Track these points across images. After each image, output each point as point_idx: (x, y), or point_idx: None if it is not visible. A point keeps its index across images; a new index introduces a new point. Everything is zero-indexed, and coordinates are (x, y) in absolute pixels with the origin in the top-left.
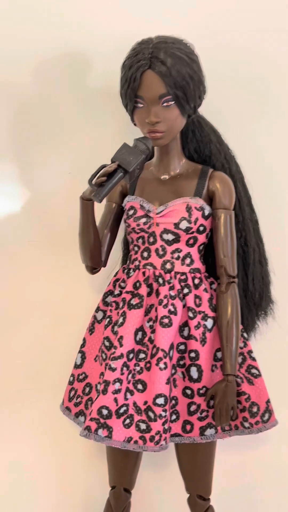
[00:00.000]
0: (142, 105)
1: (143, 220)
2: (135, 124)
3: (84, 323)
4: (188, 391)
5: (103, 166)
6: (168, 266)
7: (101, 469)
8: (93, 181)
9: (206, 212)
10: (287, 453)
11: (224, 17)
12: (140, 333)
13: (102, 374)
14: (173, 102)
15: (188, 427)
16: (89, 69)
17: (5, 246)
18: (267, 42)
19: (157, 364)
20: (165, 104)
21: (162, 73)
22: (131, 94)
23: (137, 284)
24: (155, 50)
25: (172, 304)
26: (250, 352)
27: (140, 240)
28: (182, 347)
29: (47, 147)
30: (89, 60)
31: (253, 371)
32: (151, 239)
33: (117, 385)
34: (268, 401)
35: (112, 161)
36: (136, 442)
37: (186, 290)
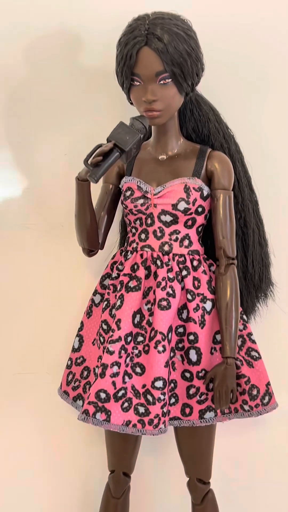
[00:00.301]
0: (138, 83)
1: (141, 201)
2: (131, 103)
3: (82, 306)
4: (187, 374)
5: (99, 146)
6: (166, 248)
7: (100, 454)
8: (89, 161)
9: (205, 193)
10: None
11: None
12: (138, 316)
13: (100, 357)
14: (170, 80)
15: (187, 410)
16: (85, 51)
17: (1, 230)
18: (266, 18)
19: (155, 347)
20: (162, 82)
21: (158, 49)
22: (127, 71)
23: (135, 267)
24: (152, 26)
25: (171, 287)
26: (249, 334)
27: (138, 222)
28: (181, 329)
29: (43, 129)
30: (86, 41)
31: (253, 353)
32: (149, 221)
33: (115, 369)
34: (268, 384)
35: (108, 141)
36: (134, 425)
37: (184, 272)
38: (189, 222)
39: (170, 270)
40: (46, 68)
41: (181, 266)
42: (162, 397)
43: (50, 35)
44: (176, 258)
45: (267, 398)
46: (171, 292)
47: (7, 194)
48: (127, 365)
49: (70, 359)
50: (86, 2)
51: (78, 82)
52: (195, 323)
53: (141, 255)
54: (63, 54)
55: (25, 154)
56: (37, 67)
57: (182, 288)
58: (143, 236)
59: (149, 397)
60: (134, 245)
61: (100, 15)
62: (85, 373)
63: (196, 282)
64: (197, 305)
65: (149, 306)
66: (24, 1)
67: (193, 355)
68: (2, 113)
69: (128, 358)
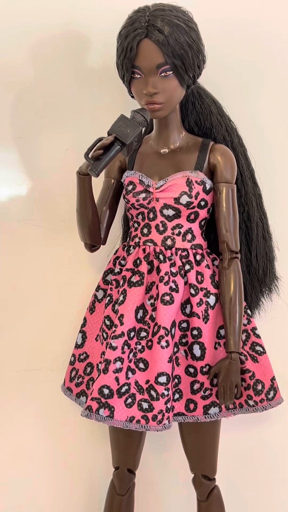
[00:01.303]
0: (139, 76)
1: (143, 195)
2: (132, 96)
3: (85, 302)
4: (191, 370)
5: (100, 139)
6: (168, 242)
7: (105, 450)
8: (90, 155)
9: (208, 186)
10: None
11: None
12: (141, 311)
13: (103, 353)
14: (171, 72)
15: (191, 406)
16: (87, 46)
17: (2, 225)
18: (268, 10)
19: (158, 342)
20: (163, 74)
21: (159, 41)
22: (127, 64)
23: (138, 261)
24: (152, 18)
25: (174, 281)
26: (254, 329)
27: (140, 216)
28: (184, 324)
29: (44, 124)
30: (87, 36)
31: (258, 348)
32: (151, 215)
33: (118, 364)
34: (273, 379)
35: (109, 134)
36: (138, 421)
37: (187, 267)
38: (192, 216)
39: (173, 264)
40: (47, 64)
41: (184, 260)
42: (165, 392)
43: (51, 32)
44: (179, 252)
45: (272, 393)
46: (174, 286)
47: (9, 189)
48: (130, 361)
49: (73, 355)
50: (89, 1)
51: (79, 77)
52: (199, 318)
53: (144, 250)
54: (63, 50)
55: (26, 150)
56: (37, 63)
57: (185, 283)
58: (145, 230)
59: (152, 392)
60: (137, 239)
61: (101, 12)
62: (88, 369)
63: (199, 277)
64: (201, 299)
65: (152, 301)
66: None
67: (197, 350)
68: (5, 107)
69: (131, 354)
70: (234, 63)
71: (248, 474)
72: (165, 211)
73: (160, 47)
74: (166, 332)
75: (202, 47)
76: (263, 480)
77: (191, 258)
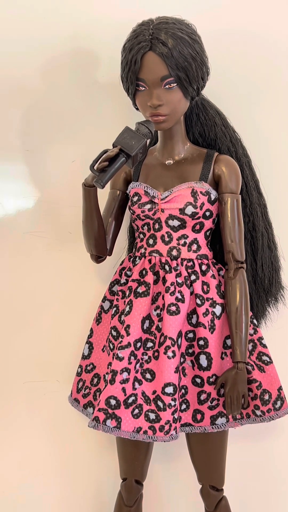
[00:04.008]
0: (143, 88)
1: (148, 206)
2: (137, 109)
3: (91, 313)
4: (198, 380)
5: (105, 151)
6: (174, 252)
7: (112, 461)
8: (95, 167)
9: (212, 197)
10: None
11: None
12: (147, 322)
13: (110, 364)
14: (175, 84)
15: (198, 416)
16: (93, 59)
17: (8, 236)
18: (271, 22)
19: (165, 353)
20: (167, 86)
21: (163, 54)
22: (132, 77)
23: (143, 272)
24: (156, 31)
25: (180, 292)
26: (260, 339)
27: (146, 227)
28: (190, 335)
29: (51, 136)
30: (93, 49)
31: (264, 358)
32: (157, 226)
33: (124, 375)
34: (280, 388)
35: (114, 146)
36: (145, 432)
37: (193, 277)
38: (197, 227)
39: (178, 275)
40: (53, 77)
41: (189, 270)
42: (172, 403)
43: (57, 46)
44: (185, 262)
45: (279, 402)
46: (180, 297)
47: (15, 201)
48: (137, 371)
49: (80, 366)
50: (94, 13)
51: (85, 90)
52: (205, 328)
53: (150, 260)
54: (69, 64)
55: (33, 162)
56: (44, 76)
57: (191, 293)
58: (151, 241)
59: (159, 403)
60: (142, 250)
61: (107, 25)
62: (95, 380)
63: (205, 287)
64: (207, 309)
65: (158, 311)
66: (33, 13)
67: (203, 360)
68: (11, 119)
69: (138, 364)
70: (238, 75)
71: (256, 485)
72: (171, 222)
73: (164, 60)
74: (173, 343)
75: (205, 59)
76: (271, 491)
77: (197, 268)
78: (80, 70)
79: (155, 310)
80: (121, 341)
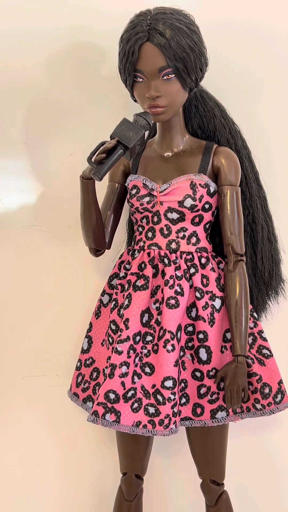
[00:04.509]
0: (141, 80)
1: (147, 199)
2: (135, 100)
3: (91, 307)
4: (198, 374)
5: (103, 143)
6: (173, 246)
7: (112, 456)
8: (93, 159)
9: (212, 189)
10: None
11: None
12: (146, 315)
13: (109, 358)
14: (173, 75)
15: (198, 410)
16: (92, 52)
17: (7, 231)
18: (271, 13)
19: (164, 346)
20: (165, 78)
21: (161, 45)
22: (129, 68)
23: (142, 265)
24: (154, 21)
25: (179, 285)
26: (260, 332)
27: (144, 220)
28: (190, 328)
29: (48, 130)
30: (91, 42)
31: (264, 351)
32: (155, 219)
33: (124, 369)
34: (280, 382)
35: (112, 138)
36: (145, 426)
37: (192, 270)
38: (196, 219)
39: (178, 268)
40: (51, 70)
41: (189, 264)
42: (172, 397)
43: (55, 39)
44: (184, 256)
45: (279, 396)
46: (179, 290)
47: (14, 195)
48: (136, 365)
49: (79, 360)
50: (92, 7)
51: (82, 82)
52: (205, 321)
53: (148, 254)
54: (67, 56)
55: (30, 155)
56: (41, 70)
57: (191, 286)
58: (150, 234)
59: (159, 397)
60: (141, 243)
61: (105, 17)
62: (95, 374)
63: (204, 280)
64: (206, 303)
65: (157, 305)
66: (31, 5)
67: (203, 354)
68: (8, 113)
69: (137, 358)
70: (237, 66)
71: (257, 479)
72: (169, 215)
73: (162, 50)
74: (172, 336)
75: (204, 50)
76: (272, 485)
77: (196, 261)
78: (79, 63)
79: (154, 303)
80: (120, 335)
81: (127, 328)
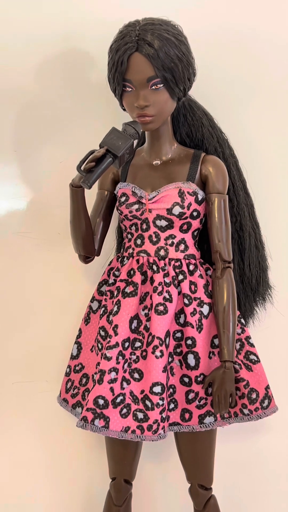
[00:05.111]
0: (130, 89)
1: (136, 206)
2: (124, 109)
3: (80, 313)
4: (186, 379)
5: (92, 152)
6: (162, 252)
7: (101, 461)
8: (82, 167)
9: (200, 197)
10: None
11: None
12: (135, 322)
13: (98, 364)
14: (162, 85)
15: (186, 415)
16: (83, 60)
17: None
18: (258, 23)
19: (153, 352)
20: (153, 87)
21: (149, 55)
22: (118, 78)
23: (131, 272)
24: (142, 32)
25: (167, 291)
26: (248, 338)
27: (133, 227)
28: (178, 334)
29: (39, 138)
30: (82, 50)
31: (252, 357)
32: (144, 226)
33: (112, 375)
34: (267, 387)
35: (101, 146)
36: (133, 431)
37: (181, 277)
38: (185, 227)
39: (166, 275)
40: (41, 77)
41: (177, 270)
42: (160, 402)
43: (46, 46)
44: (172, 262)
45: (266, 401)
46: (167, 296)
47: (3, 202)
48: (125, 371)
49: (69, 366)
50: (85, 14)
51: (73, 91)
52: (193, 327)
53: (137, 261)
54: (58, 64)
55: (21, 163)
56: (32, 76)
57: (179, 293)
58: (139, 241)
59: (147, 402)
60: (130, 250)
61: (97, 26)
62: (84, 380)
63: (192, 287)
64: (194, 309)
65: (146, 311)
66: (24, 13)
67: (191, 360)
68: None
69: (126, 364)
70: (225, 76)
71: (244, 483)
72: (158, 222)
73: (151, 61)
74: (161, 342)
75: (192, 60)
76: (260, 489)
77: (184, 268)
78: (70, 71)
79: (143, 310)
80: (109, 341)
81: (116, 334)
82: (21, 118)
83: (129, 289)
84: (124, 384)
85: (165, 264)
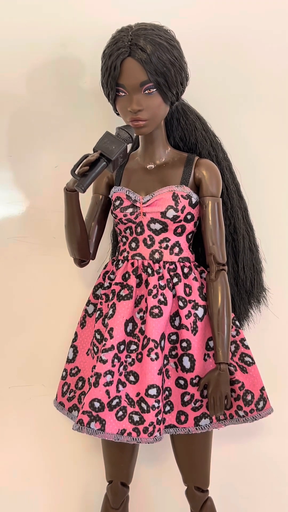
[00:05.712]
0: (123, 94)
1: (130, 210)
2: (117, 114)
3: (76, 317)
4: (181, 381)
5: (86, 156)
6: (156, 256)
7: (98, 464)
8: (76, 171)
9: (193, 200)
10: (286, 443)
11: (208, 3)
12: (130, 325)
13: (94, 367)
14: (154, 90)
15: (182, 417)
16: (76, 64)
17: None
18: (250, 27)
19: (148, 355)
20: (146, 92)
21: (142, 60)
22: (112, 82)
23: (126, 275)
24: (135, 37)
25: (162, 294)
26: (243, 340)
27: (128, 231)
28: (173, 337)
29: (33, 142)
30: (76, 55)
31: (247, 359)
32: (139, 229)
33: (108, 377)
34: (262, 389)
35: (94, 151)
36: (129, 434)
37: (175, 280)
38: (179, 230)
39: (161, 278)
40: (35, 82)
41: (172, 273)
42: (156, 404)
43: (40, 51)
44: (167, 265)
45: (261, 403)
46: (162, 299)
47: None
48: (120, 374)
49: (65, 370)
50: (78, 19)
51: (67, 95)
52: (188, 330)
53: (132, 264)
54: (52, 69)
55: (16, 167)
56: (26, 82)
57: (174, 296)
58: (133, 244)
59: (143, 405)
60: (125, 254)
61: (90, 31)
62: (80, 383)
63: (187, 289)
64: (189, 312)
65: (141, 314)
66: (16, 18)
67: (186, 362)
68: None
69: (122, 367)
70: (217, 80)
71: (241, 485)
72: (152, 225)
73: (143, 65)
74: (156, 345)
75: (184, 64)
76: (256, 491)
77: (179, 271)
78: (64, 76)
79: (138, 313)
80: (105, 344)
81: (111, 337)
82: (15, 123)
83: (124, 292)
84: (120, 386)
85: (159, 267)
